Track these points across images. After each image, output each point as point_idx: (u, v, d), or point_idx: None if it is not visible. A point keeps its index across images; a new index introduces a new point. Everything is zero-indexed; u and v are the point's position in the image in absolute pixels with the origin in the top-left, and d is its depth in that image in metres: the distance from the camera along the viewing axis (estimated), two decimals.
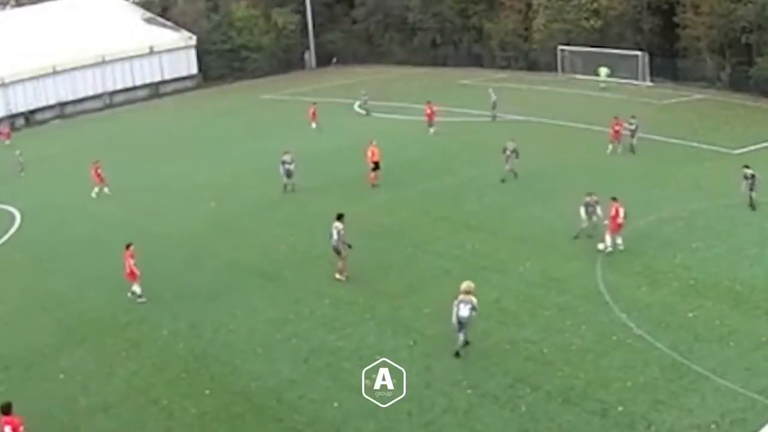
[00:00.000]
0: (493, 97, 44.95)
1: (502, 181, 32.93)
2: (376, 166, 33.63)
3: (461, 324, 19.40)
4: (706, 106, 45.98)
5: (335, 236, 24.28)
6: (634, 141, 36.21)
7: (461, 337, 19.57)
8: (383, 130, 43.79)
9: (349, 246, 24.30)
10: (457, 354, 19.53)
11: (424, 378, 18.65)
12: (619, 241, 25.01)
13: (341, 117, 49.18)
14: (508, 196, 31.37)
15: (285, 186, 33.95)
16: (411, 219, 29.57)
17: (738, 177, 28.72)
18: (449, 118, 44.89)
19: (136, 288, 24.02)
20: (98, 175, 35.69)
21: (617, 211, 24.73)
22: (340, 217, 24.43)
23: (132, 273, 23.85)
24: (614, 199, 25.16)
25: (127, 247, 24.01)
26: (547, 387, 17.97)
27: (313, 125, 45.52)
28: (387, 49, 69.59)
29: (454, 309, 19.35)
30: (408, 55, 67.80)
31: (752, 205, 28.02)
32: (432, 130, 41.85)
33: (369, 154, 33.72)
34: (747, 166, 28.59)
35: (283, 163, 33.80)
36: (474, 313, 19.37)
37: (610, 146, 36.20)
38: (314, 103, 46.71)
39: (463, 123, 44.69)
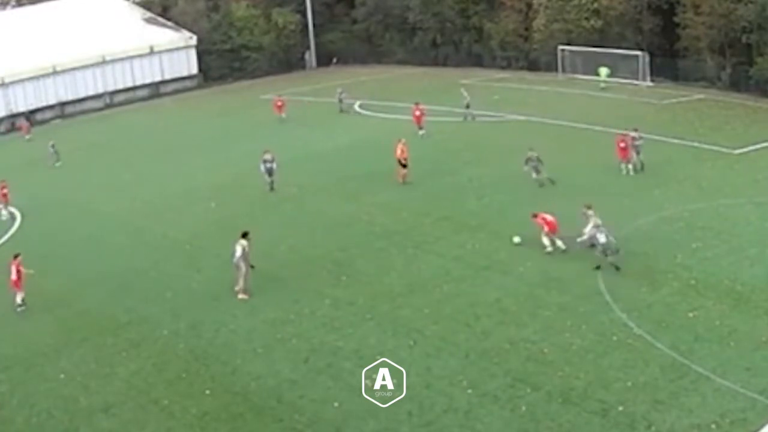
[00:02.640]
0: (467, 98, 45.06)
1: (541, 185, 31.81)
2: (402, 164, 33.64)
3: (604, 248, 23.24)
4: (706, 106, 45.92)
5: (238, 253, 23.55)
6: (641, 157, 33.00)
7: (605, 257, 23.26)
8: (383, 130, 43.80)
9: (252, 267, 23.84)
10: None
11: (424, 378, 18.64)
12: (560, 242, 25.32)
13: (341, 117, 49.18)
14: (508, 196, 31.34)
15: (271, 184, 34.29)
16: (411, 219, 29.56)
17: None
18: (450, 118, 44.91)
19: (19, 297, 24.19)
20: (4, 195, 35.10)
21: (544, 220, 25.49)
22: (245, 235, 23.89)
23: (17, 282, 24.11)
24: (535, 216, 25.73)
25: (15, 257, 24.44)
26: (548, 387, 17.96)
27: (283, 115, 48.40)
28: (387, 49, 69.56)
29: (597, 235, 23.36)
30: (408, 55, 67.78)
31: None
32: (422, 132, 41.27)
33: (398, 151, 33.71)
34: None
35: (265, 162, 34.21)
36: (611, 238, 23.32)
37: (623, 167, 32.80)
38: (280, 97, 50.41)
39: (463, 123, 44.63)
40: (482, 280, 23.85)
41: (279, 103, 49.48)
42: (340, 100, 50.31)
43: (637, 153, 33.06)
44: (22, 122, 55.38)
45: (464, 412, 17.33)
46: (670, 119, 42.94)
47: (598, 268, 23.43)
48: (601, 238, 23.31)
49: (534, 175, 32.15)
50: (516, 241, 26.14)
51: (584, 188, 31.43)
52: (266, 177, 34.26)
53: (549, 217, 25.51)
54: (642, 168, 33.00)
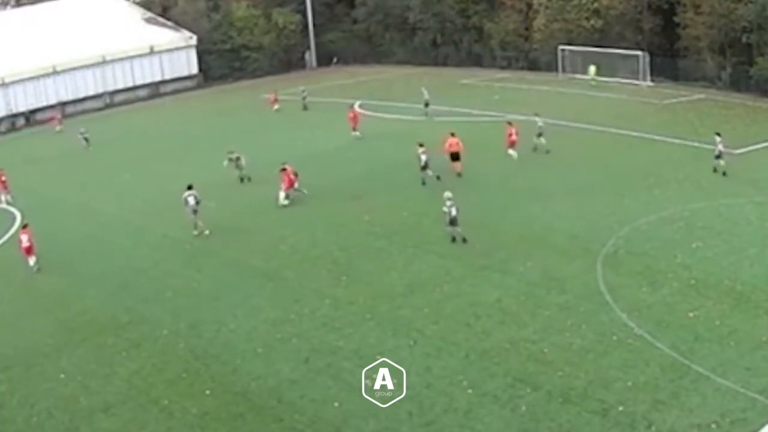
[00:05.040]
0: (426, 96, 46.37)
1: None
2: (456, 156, 33.97)
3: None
4: (706, 105, 45.95)
5: (192, 201, 29.34)
6: (542, 140, 36.45)
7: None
8: (383, 129, 43.86)
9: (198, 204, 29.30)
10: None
11: (424, 378, 18.64)
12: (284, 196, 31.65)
13: (341, 117, 49.10)
14: (508, 196, 31.37)
15: (241, 177, 35.79)
16: (411, 219, 29.55)
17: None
18: (450, 118, 44.90)
19: (32, 261, 27.16)
20: (2, 182, 36.60)
21: (289, 176, 31.67)
22: (190, 187, 29.61)
23: (29, 248, 27.06)
24: (284, 169, 31.91)
25: (25, 227, 27.78)
26: (548, 387, 17.96)
27: (276, 107, 52.36)
28: (387, 49, 69.63)
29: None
30: (408, 55, 67.83)
31: None
32: (356, 133, 42.34)
33: (447, 146, 34.10)
34: None
35: (230, 159, 35.83)
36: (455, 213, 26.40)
37: (512, 152, 35.20)
38: (275, 92, 54.21)
39: (463, 123, 44.63)
40: (482, 280, 23.85)
41: (272, 98, 53.28)
42: (303, 98, 52.70)
43: (539, 135, 36.46)
44: (54, 114, 56.21)
45: (464, 412, 17.34)
46: (670, 119, 42.96)
47: (453, 240, 26.52)
48: (452, 212, 26.28)
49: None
50: (283, 200, 31.72)
51: (584, 187, 31.51)
52: (237, 171, 35.89)
53: (291, 175, 31.59)
54: (547, 151, 36.15)
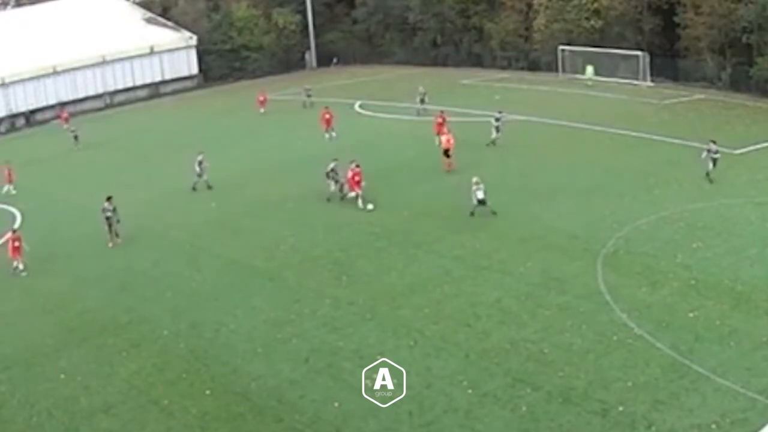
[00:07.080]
0: (423, 93, 47.21)
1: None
2: (446, 153, 34.66)
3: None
4: (706, 106, 45.94)
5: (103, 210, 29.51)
6: (496, 135, 38.31)
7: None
8: (383, 130, 43.86)
9: (117, 220, 29.37)
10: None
11: (424, 378, 18.65)
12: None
13: (341, 117, 49.06)
14: (508, 196, 31.30)
15: (194, 185, 35.51)
16: (411, 219, 29.56)
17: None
18: (450, 119, 44.86)
19: (20, 264, 27.26)
20: (9, 175, 38.51)
21: (354, 174, 31.03)
22: (109, 199, 29.61)
23: (16, 250, 27.35)
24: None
25: (14, 231, 28.32)
26: (548, 387, 17.96)
27: (261, 110, 52.26)
28: (387, 49, 69.59)
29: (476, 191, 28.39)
30: (408, 55, 67.79)
31: None
32: (330, 135, 42.57)
33: (446, 141, 34.92)
34: None
35: (200, 163, 35.60)
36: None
37: (437, 139, 37.05)
38: (263, 91, 54.50)
39: (463, 123, 44.59)
40: (482, 280, 23.86)
41: (262, 99, 52.72)
42: (308, 96, 52.85)
43: (497, 130, 38.42)
44: (62, 111, 56.44)
45: (464, 412, 17.34)
46: (670, 119, 42.96)
47: (472, 214, 28.46)
48: (479, 194, 28.32)
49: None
50: (370, 207, 30.54)
51: (584, 187, 31.50)
52: (196, 177, 35.52)
53: (355, 175, 31.02)
54: (493, 143, 38.28)
